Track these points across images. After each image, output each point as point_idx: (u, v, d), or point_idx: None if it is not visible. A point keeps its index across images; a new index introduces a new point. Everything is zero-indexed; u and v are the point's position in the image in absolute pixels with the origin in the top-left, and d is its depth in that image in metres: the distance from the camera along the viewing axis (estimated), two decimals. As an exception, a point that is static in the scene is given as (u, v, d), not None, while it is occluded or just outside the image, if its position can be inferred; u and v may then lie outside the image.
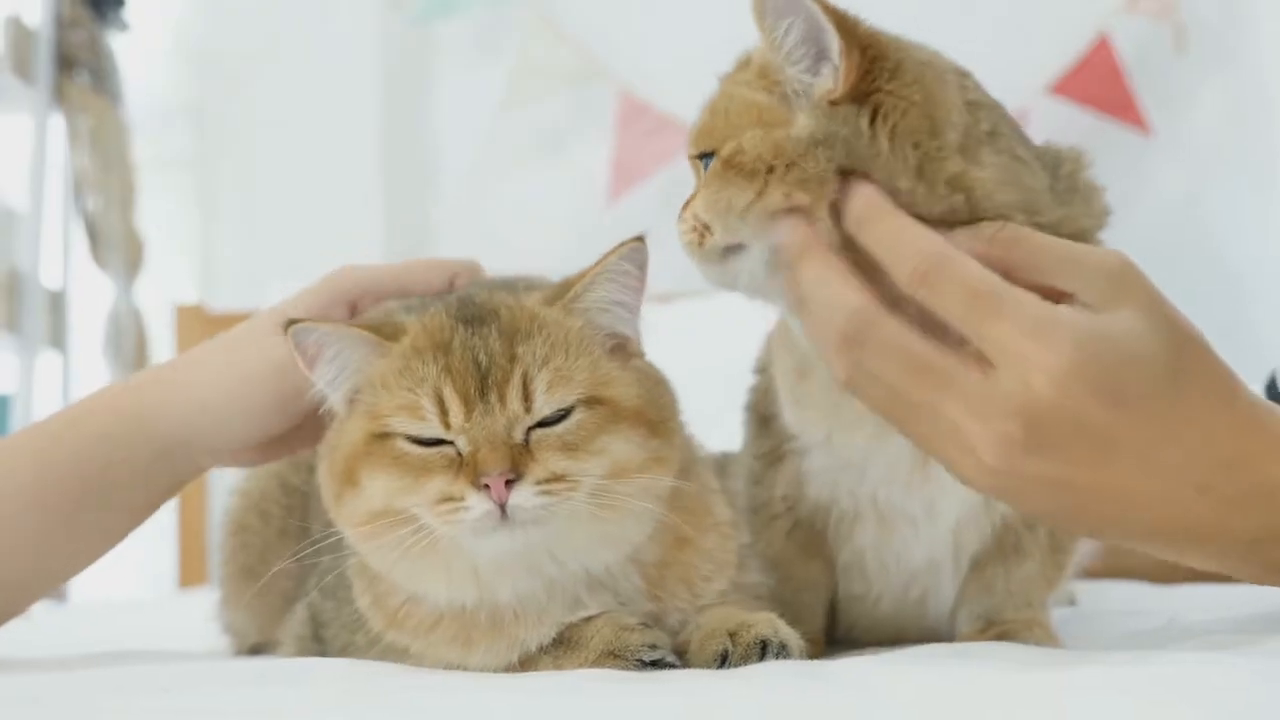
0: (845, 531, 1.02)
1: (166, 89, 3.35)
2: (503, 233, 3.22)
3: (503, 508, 0.84)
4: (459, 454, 0.86)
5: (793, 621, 0.91)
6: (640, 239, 0.93)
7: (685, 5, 3.09)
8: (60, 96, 3.07)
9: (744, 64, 0.92)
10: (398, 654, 0.93)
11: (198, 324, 2.94)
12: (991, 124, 0.89)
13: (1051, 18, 2.93)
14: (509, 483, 0.84)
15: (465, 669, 0.90)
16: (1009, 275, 0.81)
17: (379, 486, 0.87)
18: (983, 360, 0.79)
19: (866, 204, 0.84)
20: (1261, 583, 0.84)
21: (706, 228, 0.89)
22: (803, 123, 0.86)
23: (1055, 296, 0.80)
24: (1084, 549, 1.06)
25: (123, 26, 3.19)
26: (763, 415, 1.06)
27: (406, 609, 0.92)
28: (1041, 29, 2.90)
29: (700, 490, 0.97)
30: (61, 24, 3.08)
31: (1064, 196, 0.90)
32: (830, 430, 0.96)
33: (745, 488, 1.07)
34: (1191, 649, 0.83)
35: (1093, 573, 1.31)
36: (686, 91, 3.68)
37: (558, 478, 0.85)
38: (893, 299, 0.82)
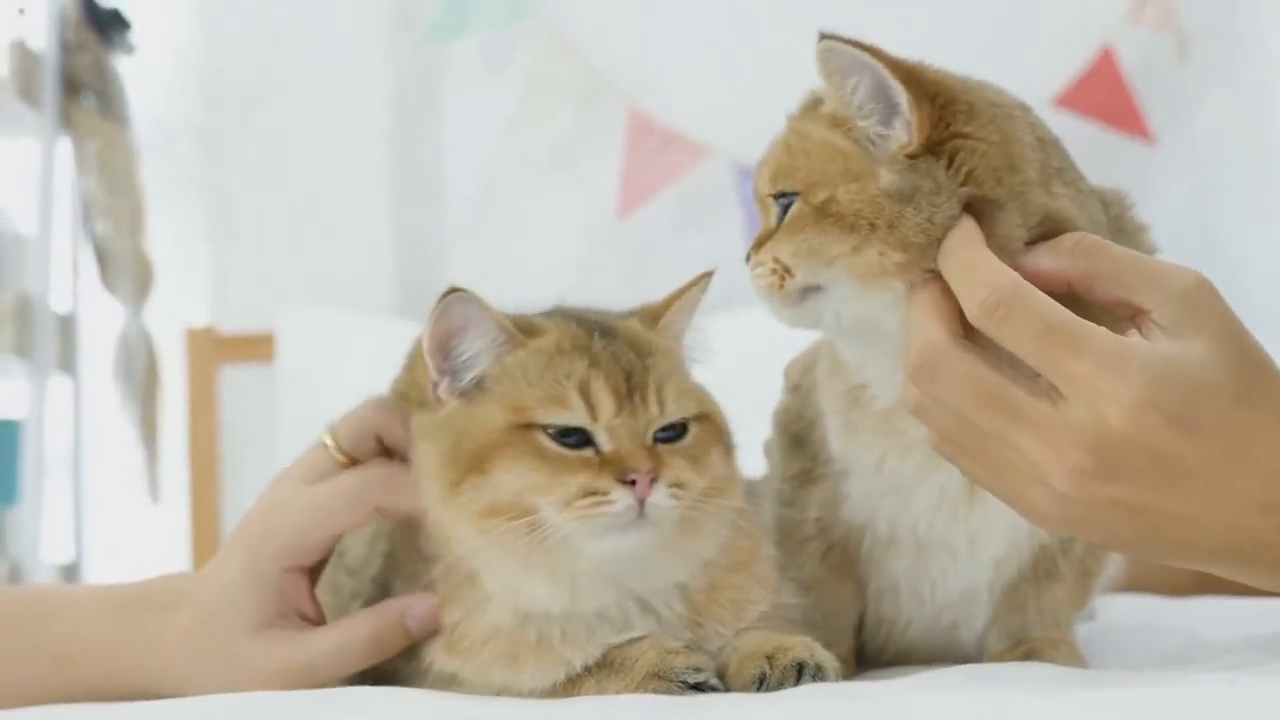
0: (879, 557, 1.03)
1: (174, 111, 3.35)
2: (512, 250, 3.22)
3: (642, 504, 0.87)
4: (597, 454, 0.88)
5: (824, 643, 0.92)
6: (709, 274, 1.00)
7: (693, 23, 3.10)
8: (67, 120, 3.07)
9: (813, 104, 0.94)
10: (445, 682, 0.94)
11: (209, 346, 2.95)
12: (1059, 160, 0.91)
13: (1055, 30, 2.94)
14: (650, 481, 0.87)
15: (515, 690, 0.91)
16: (1088, 287, 0.84)
17: (513, 478, 0.88)
18: (1052, 391, 0.80)
19: (956, 234, 0.86)
20: None
21: (787, 270, 0.90)
22: (886, 177, 0.87)
23: (1130, 311, 0.83)
24: (1111, 571, 1.06)
25: (129, 49, 3.19)
26: (795, 436, 1.07)
27: (462, 629, 0.93)
28: (1045, 41, 2.91)
29: (753, 513, 0.99)
30: (67, 48, 3.08)
31: (1114, 237, 0.91)
32: (883, 455, 0.97)
33: (775, 509, 1.07)
34: (1218, 669, 0.85)
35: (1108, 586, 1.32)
36: (695, 108, 3.73)
37: (680, 484, 0.89)
38: (976, 337, 0.84)
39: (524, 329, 0.93)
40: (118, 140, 3.15)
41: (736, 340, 1.67)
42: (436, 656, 0.94)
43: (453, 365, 0.92)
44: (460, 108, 3.25)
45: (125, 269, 3.08)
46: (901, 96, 0.87)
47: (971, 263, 0.84)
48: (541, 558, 0.88)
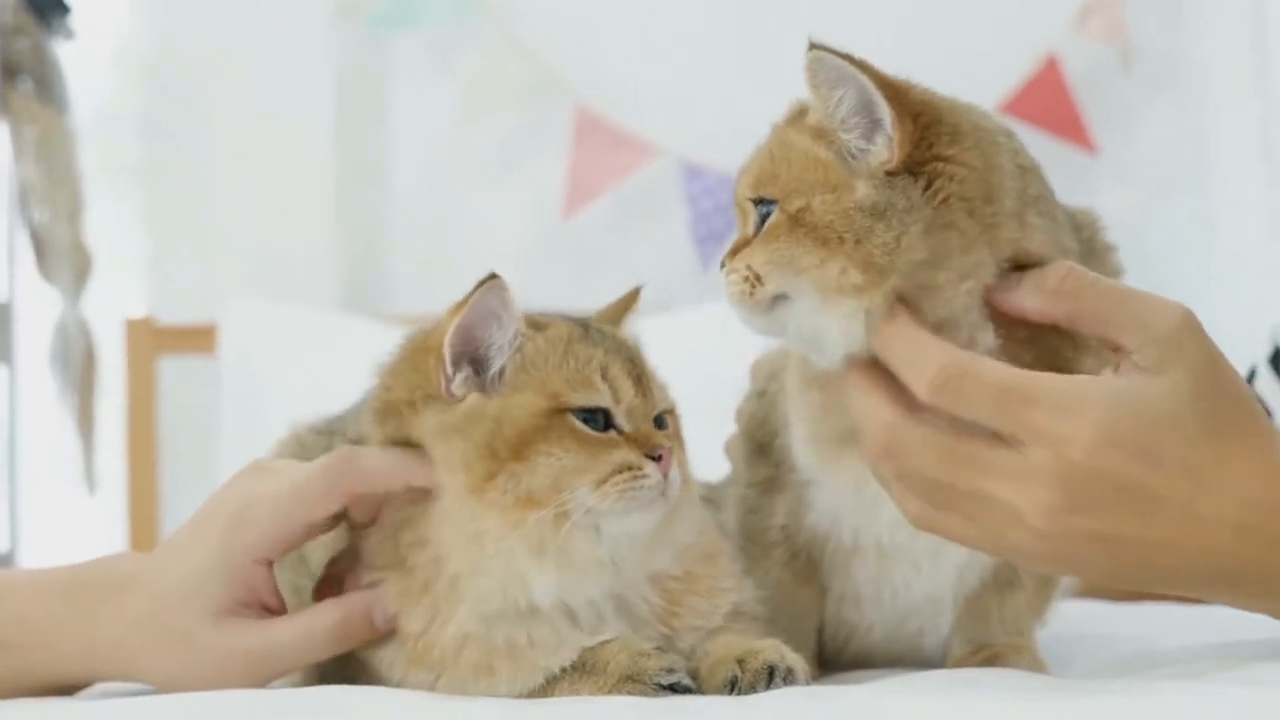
0: (842, 564, 1.04)
1: (114, 98, 3.32)
2: (457, 247, 3.22)
3: (665, 480, 0.90)
4: (619, 434, 0.91)
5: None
6: (640, 288, 1.04)
7: (642, 23, 3.11)
8: (4, 105, 3.03)
9: (798, 114, 0.94)
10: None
11: (148, 337, 2.92)
12: (1037, 188, 0.91)
13: (1000, 38, 2.98)
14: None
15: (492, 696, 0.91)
16: (1073, 325, 0.87)
17: (554, 462, 0.89)
18: (1015, 440, 0.83)
19: (888, 320, 0.87)
20: None
21: (759, 278, 0.90)
22: (863, 190, 0.87)
23: (1114, 346, 0.85)
24: (1069, 580, 1.08)
25: (68, 34, 3.15)
26: (759, 444, 1.07)
27: (424, 640, 0.92)
28: (990, 48, 2.95)
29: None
30: (5, 32, 3.04)
31: (1085, 260, 0.92)
32: (853, 468, 0.97)
33: (738, 515, 1.08)
34: (1183, 677, 0.86)
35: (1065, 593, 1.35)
36: (643, 108, 3.73)
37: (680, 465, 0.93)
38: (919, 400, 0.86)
39: (530, 322, 0.94)
40: (56, 127, 3.11)
41: (679, 341, 1.68)
42: (402, 671, 0.93)
43: (479, 355, 0.92)
44: (406, 102, 3.24)
45: (63, 257, 3.05)
46: (885, 112, 0.87)
47: (913, 345, 0.86)
48: (558, 546, 0.89)
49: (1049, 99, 2.90)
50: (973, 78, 3.12)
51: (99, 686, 1.00)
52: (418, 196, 3.24)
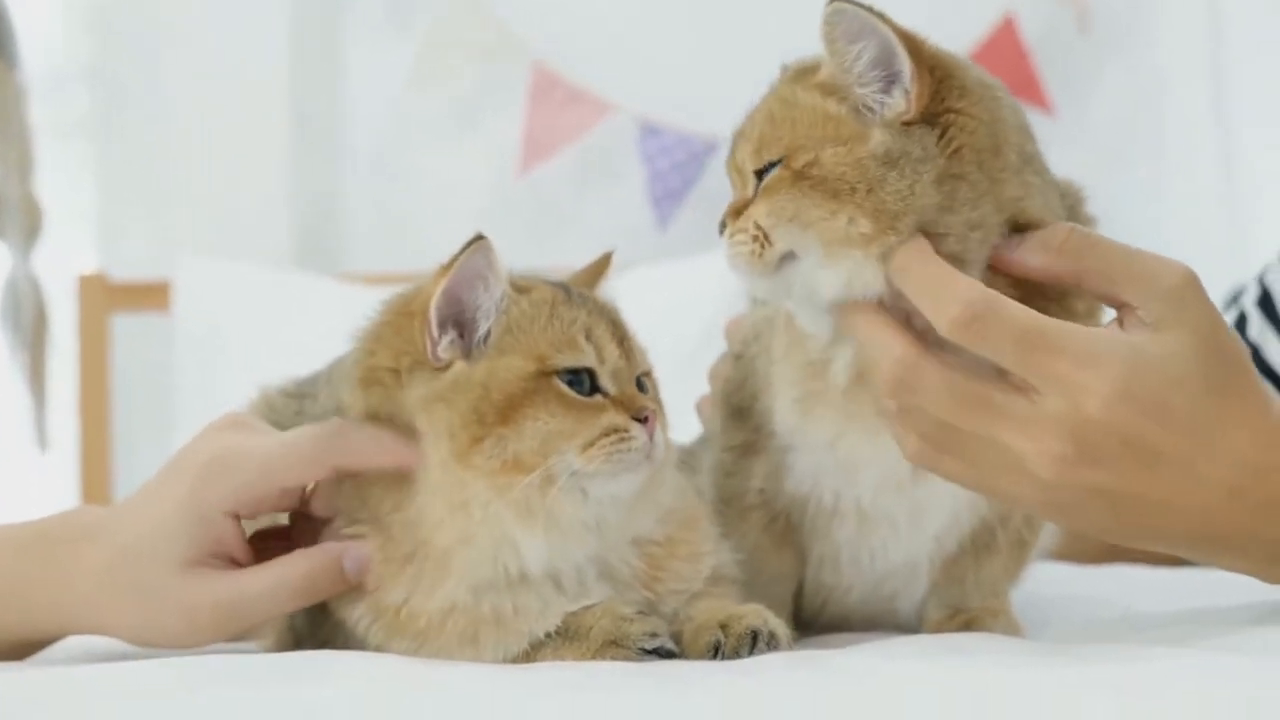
0: (822, 526, 1.04)
1: (65, 53, 3.27)
2: (412, 205, 3.20)
3: (650, 441, 0.90)
4: (605, 397, 0.91)
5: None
6: (610, 253, 1.03)
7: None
8: (-48, 59, 2.99)
9: (800, 73, 0.94)
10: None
11: (101, 294, 2.89)
12: (1032, 147, 0.93)
13: (959, -1, 2.98)
14: None
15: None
16: (1077, 283, 0.87)
17: (540, 426, 0.88)
18: (1027, 386, 0.84)
19: (910, 252, 0.87)
20: None
21: (767, 238, 0.90)
22: (877, 138, 0.88)
23: (1117, 304, 0.86)
24: (1044, 542, 1.09)
25: (18, -12, 3.11)
26: (736, 407, 1.07)
27: (408, 610, 0.91)
28: (949, 9, 2.94)
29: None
30: (-48, -14, 3.00)
31: None
32: (841, 432, 0.97)
33: (715, 479, 1.08)
34: (1169, 642, 0.87)
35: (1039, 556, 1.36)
36: (599, 65, 3.72)
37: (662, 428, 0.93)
38: (931, 338, 0.87)
39: (514, 284, 0.93)
40: (6, 81, 3.07)
41: (637, 300, 1.68)
42: (382, 638, 0.92)
43: (465, 318, 0.91)
44: (362, 59, 3.22)
45: (13, 214, 3.01)
46: (905, 65, 0.88)
47: (936, 278, 0.86)
48: (546, 509, 0.88)
49: (1006, 60, 2.91)
50: (930, 37, 3.14)
51: (84, 650, 1.00)
52: (374, 154, 3.22)
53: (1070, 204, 0.96)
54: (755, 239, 0.90)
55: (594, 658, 0.88)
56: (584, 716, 0.72)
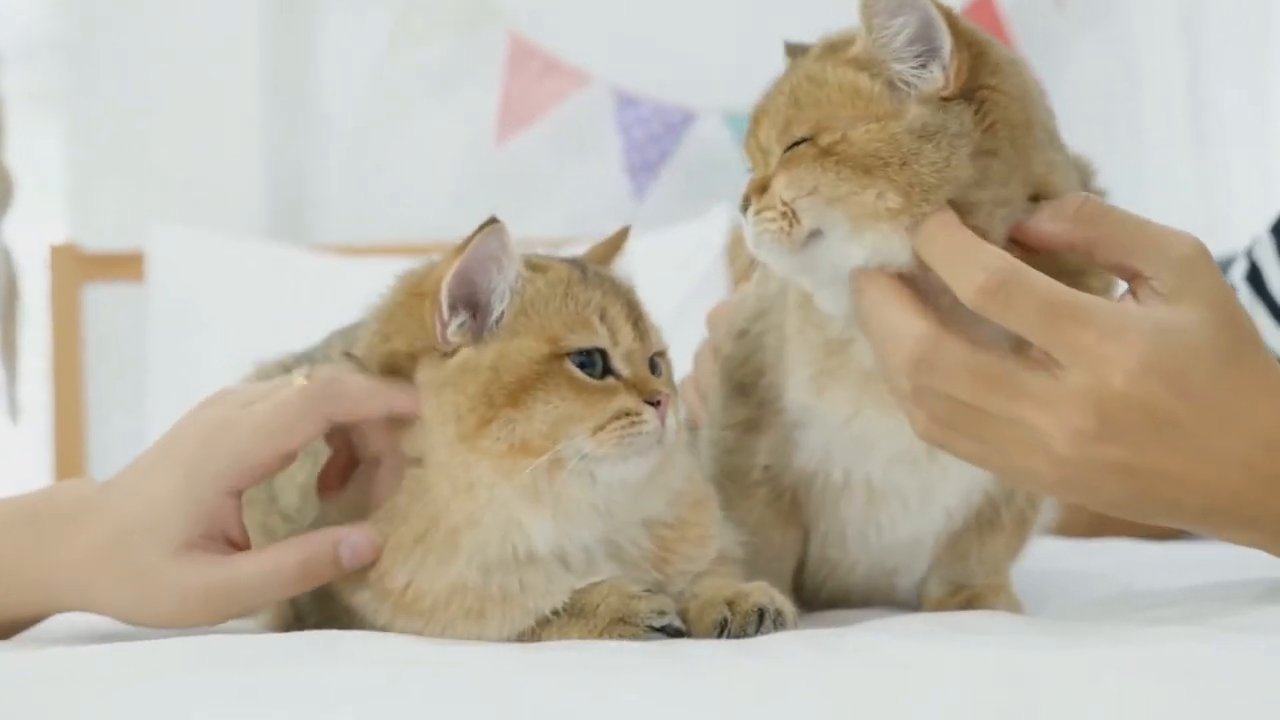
0: (830, 502, 1.04)
1: (37, 21, 3.24)
2: (387, 176, 3.19)
3: (662, 425, 0.89)
4: (618, 380, 0.90)
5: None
6: (628, 228, 1.02)
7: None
8: (-78, 26, 2.96)
9: (831, 48, 0.93)
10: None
11: (73, 263, 2.88)
12: (1053, 125, 0.93)
13: (936, -29, 2.98)
14: None
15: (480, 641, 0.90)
16: (1090, 251, 0.87)
17: (550, 409, 0.87)
18: (1048, 360, 0.83)
19: (936, 221, 0.86)
20: None
21: (795, 215, 0.89)
22: (914, 111, 0.88)
23: (1129, 274, 0.86)
24: (1045, 519, 1.09)
25: (-12, -44, 3.08)
26: (739, 384, 1.06)
27: (414, 590, 0.91)
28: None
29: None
30: (-78, -48, 2.96)
31: None
32: (857, 410, 0.97)
33: (716, 456, 1.07)
34: (1179, 620, 0.87)
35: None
36: (576, 35, 3.72)
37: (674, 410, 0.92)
38: (946, 317, 0.86)
39: (529, 264, 0.92)
40: (-24, 50, 3.04)
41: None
42: (388, 617, 0.92)
43: (478, 301, 0.90)
44: (336, 27, 3.20)
45: (-16, 182, 2.99)
46: (946, 40, 0.87)
47: (961, 247, 0.85)
48: (553, 492, 0.88)
49: (983, 33, 2.91)
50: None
51: (71, 629, 0.99)
52: (348, 124, 3.21)
53: (1080, 178, 0.96)
54: (784, 216, 0.90)
55: (601, 636, 0.88)
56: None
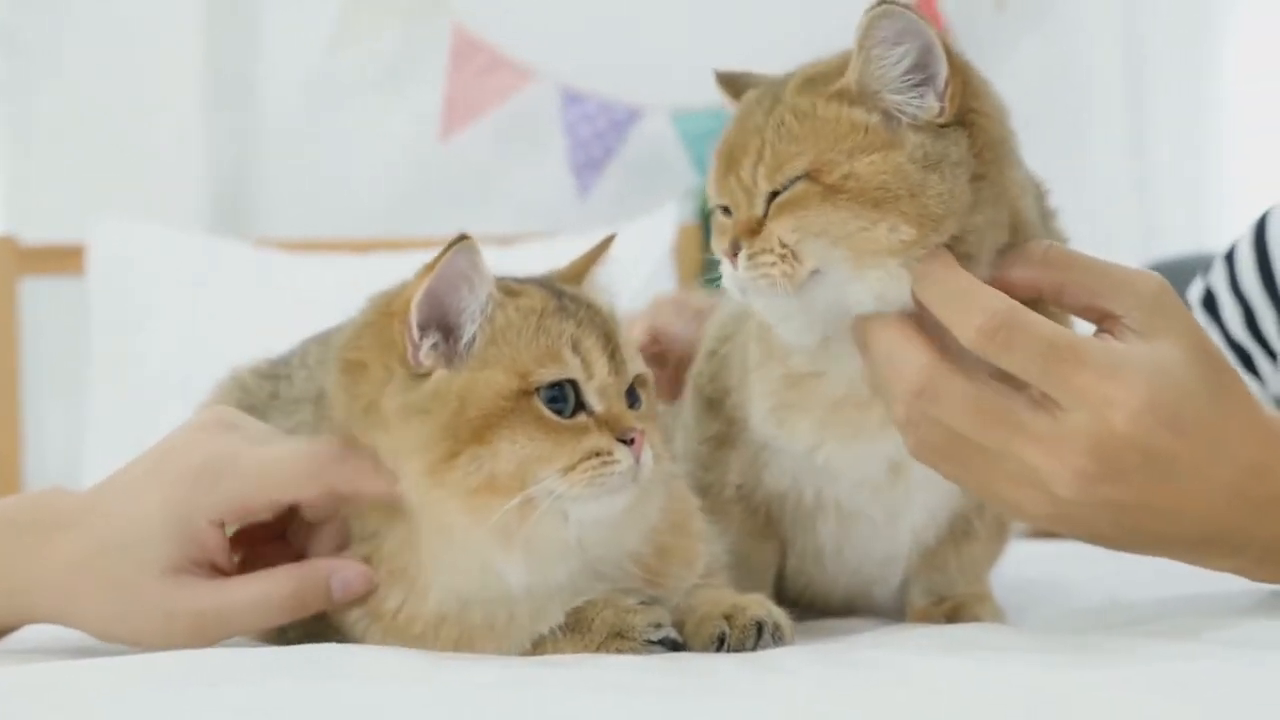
0: (805, 521, 1.04)
1: (-27, 10, 3.20)
2: (331, 169, 3.17)
3: (636, 463, 0.86)
4: (589, 416, 0.87)
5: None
6: (613, 236, 0.99)
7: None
8: None
9: (811, 81, 0.91)
10: None
11: (10, 256, 2.84)
12: (1016, 142, 0.93)
13: (878, -28, 2.99)
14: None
15: None
16: (1058, 295, 0.88)
17: (517, 449, 0.84)
18: (1048, 401, 0.84)
19: (932, 262, 0.87)
20: (1276, 581, 0.92)
21: (795, 255, 0.88)
22: (914, 140, 0.87)
23: (1099, 316, 0.87)
24: (1019, 527, 1.10)
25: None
26: (709, 399, 1.06)
27: (405, 614, 0.90)
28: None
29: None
30: None
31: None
32: (819, 442, 0.96)
33: (691, 469, 1.06)
34: (1178, 635, 0.87)
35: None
36: (522, 31, 3.70)
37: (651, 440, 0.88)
38: (950, 353, 0.86)
39: (503, 287, 0.89)
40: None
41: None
42: (378, 641, 0.91)
43: (448, 321, 0.87)
44: (279, 18, 3.18)
45: (-80, 174, 2.95)
46: (943, 66, 0.86)
47: (961, 289, 0.86)
48: (524, 535, 0.85)
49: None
50: (848, 15, 3.16)
51: (59, 642, 0.97)
52: (291, 116, 3.19)
53: (1036, 197, 0.96)
54: (784, 258, 0.88)
55: (598, 650, 0.87)
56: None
